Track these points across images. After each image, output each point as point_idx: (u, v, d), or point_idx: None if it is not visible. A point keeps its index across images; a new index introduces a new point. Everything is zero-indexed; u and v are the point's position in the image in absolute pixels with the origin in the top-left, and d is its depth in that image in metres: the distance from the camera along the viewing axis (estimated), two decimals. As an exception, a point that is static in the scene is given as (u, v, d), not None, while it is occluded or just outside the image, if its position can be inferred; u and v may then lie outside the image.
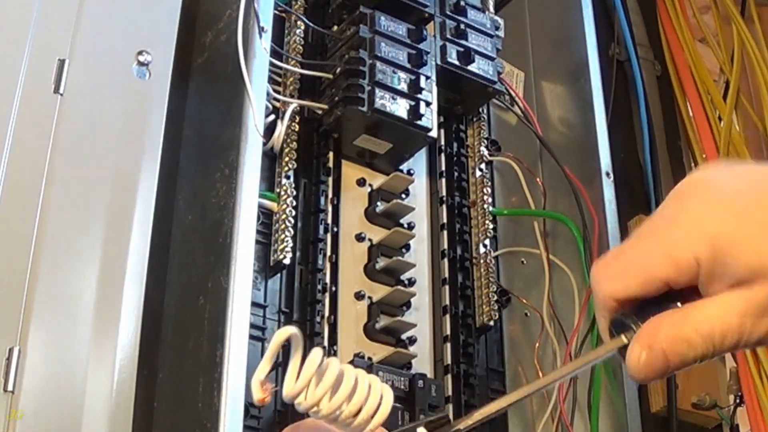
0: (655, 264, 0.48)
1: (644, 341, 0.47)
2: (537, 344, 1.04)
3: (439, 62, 1.01)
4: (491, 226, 1.06)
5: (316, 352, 0.46)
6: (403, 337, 0.95)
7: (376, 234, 0.98)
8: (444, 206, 1.04)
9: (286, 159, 0.92)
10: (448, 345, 0.97)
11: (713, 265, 0.46)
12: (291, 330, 0.46)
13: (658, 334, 0.47)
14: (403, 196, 1.02)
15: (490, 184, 1.08)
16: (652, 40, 1.42)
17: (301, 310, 0.90)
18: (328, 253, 0.94)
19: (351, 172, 1.00)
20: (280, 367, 0.81)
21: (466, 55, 1.03)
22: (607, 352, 0.50)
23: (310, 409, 0.46)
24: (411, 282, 0.98)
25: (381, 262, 0.96)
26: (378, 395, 0.46)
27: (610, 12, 1.34)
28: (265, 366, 0.47)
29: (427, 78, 0.98)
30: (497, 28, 1.08)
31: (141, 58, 0.86)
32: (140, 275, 0.79)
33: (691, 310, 0.47)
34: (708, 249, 0.46)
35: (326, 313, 0.91)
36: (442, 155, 1.07)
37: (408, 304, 0.97)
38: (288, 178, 0.92)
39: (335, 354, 0.90)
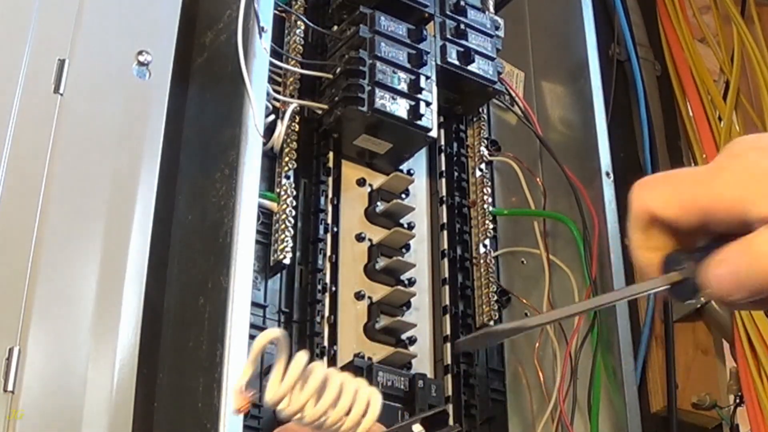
0: (701, 193, 0.47)
1: (720, 261, 0.46)
2: (537, 344, 1.04)
3: (439, 62, 1.01)
4: (491, 226, 1.06)
5: (301, 356, 0.44)
6: (403, 337, 0.95)
7: (376, 234, 0.98)
8: (444, 206, 1.04)
9: (286, 159, 0.92)
10: (448, 345, 0.97)
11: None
12: (274, 332, 0.44)
13: (730, 257, 0.46)
14: (403, 196, 1.02)
15: (490, 184, 1.08)
16: (652, 40, 1.42)
17: (301, 310, 0.90)
18: (328, 253, 0.94)
19: (351, 172, 1.00)
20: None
21: (466, 55, 1.03)
22: (658, 286, 0.49)
23: (293, 416, 0.44)
24: (411, 282, 0.98)
25: (381, 262, 0.96)
26: (364, 400, 0.44)
27: (610, 12, 1.34)
28: (246, 372, 0.45)
29: (427, 78, 0.98)
30: (497, 28, 1.08)
31: (141, 58, 0.86)
32: (140, 275, 0.79)
33: (752, 237, 0.46)
34: (761, 187, 0.46)
35: (326, 313, 0.91)
36: (442, 155, 1.07)
37: (408, 304, 0.97)
38: (288, 178, 0.92)
39: (335, 354, 0.90)
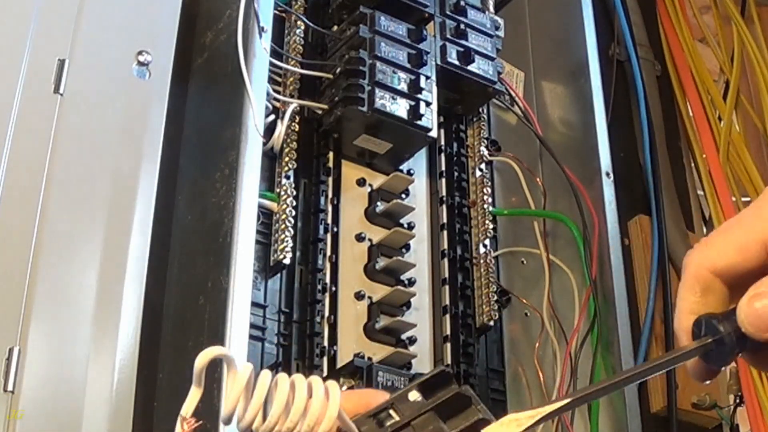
0: (753, 224, 0.46)
1: (764, 293, 0.44)
2: (537, 344, 1.04)
3: (439, 62, 1.01)
4: (491, 226, 1.06)
5: (245, 369, 0.42)
6: (403, 337, 0.95)
7: (376, 234, 0.98)
8: (444, 206, 1.04)
9: (286, 159, 0.92)
10: (448, 345, 0.97)
11: None
12: (215, 351, 0.42)
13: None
14: (403, 196, 1.02)
15: (490, 184, 1.08)
16: (652, 40, 1.42)
17: (301, 310, 0.90)
18: (328, 253, 0.94)
19: (351, 172, 1.00)
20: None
21: (466, 55, 1.03)
22: (689, 353, 0.46)
23: (249, 429, 0.43)
24: (411, 282, 0.98)
25: (381, 262, 0.96)
26: (320, 397, 0.41)
27: (610, 12, 1.34)
28: (191, 400, 0.44)
29: (427, 78, 0.98)
30: (497, 28, 1.08)
31: (141, 58, 0.86)
32: (140, 275, 0.79)
33: None
34: None
35: (326, 313, 0.91)
36: (442, 155, 1.07)
37: (408, 304, 0.97)
38: (288, 178, 0.92)
39: (335, 354, 0.90)
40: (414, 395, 0.42)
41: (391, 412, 0.42)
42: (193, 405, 0.43)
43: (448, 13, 1.05)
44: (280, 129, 0.92)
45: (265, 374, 0.42)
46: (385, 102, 0.94)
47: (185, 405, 0.43)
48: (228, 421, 0.42)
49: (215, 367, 0.74)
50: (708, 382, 0.48)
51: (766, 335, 0.44)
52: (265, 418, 0.42)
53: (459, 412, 0.41)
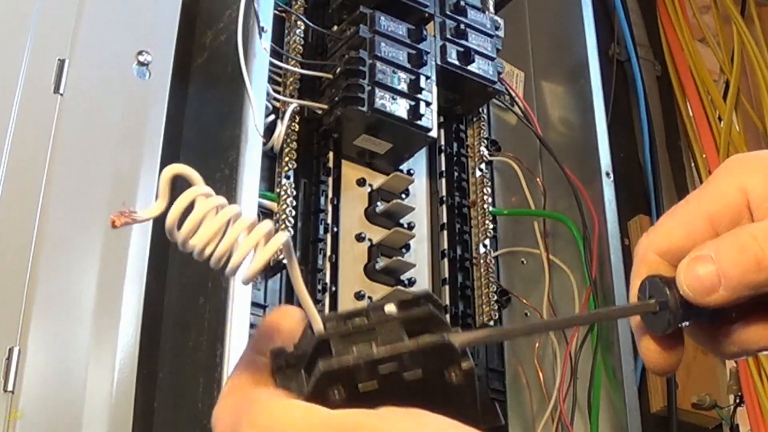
0: (699, 201, 0.45)
1: (705, 256, 0.43)
2: (537, 344, 1.04)
3: (439, 62, 1.01)
4: (491, 226, 1.06)
5: (202, 186, 0.40)
6: (403, 337, 0.95)
7: (376, 234, 0.98)
8: (444, 206, 1.04)
9: (286, 159, 0.92)
10: (448, 345, 0.97)
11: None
12: (178, 168, 0.40)
13: (720, 248, 0.43)
14: (403, 196, 1.02)
15: (490, 184, 1.08)
16: (652, 40, 1.43)
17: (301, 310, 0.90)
18: (328, 253, 0.94)
19: (351, 172, 1.00)
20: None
21: (466, 55, 1.03)
22: (631, 313, 0.45)
23: (184, 244, 0.41)
24: (411, 282, 0.98)
25: (381, 262, 0.96)
26: (259, 234, 0.39)
27: (610, 12, 1.34)
28: (154, 209, 0.40)
29: (427, 78, 0.98)
30: (497, 28, 1.08)
31: (141, 58, 0.86)
32: (140, 275, 0.79)
33: (748, 225, 0.43)
34: (760, 175, 0.44)
35: (326, 313, 0.91)
36: (442, 155, 1.07)
37: (408, 304, 0.96)
38: (288, 178, 0.92)
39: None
40: (390, 308, 0.40)
41: (365, 319, 0.40)
42: (152, 213, 0.41)
43: (448, 13, 1.05)
44: (280, 129, 0.92)
45: (220, 198, 0.41)
46: (385, 102, 0.94)
47: (148, 209, 0.41)
48: (170, 230, 0.40)
49: (216, 367, 0.74)
50: (662, 372, 0.46)
51: (705, 300, 0.43)
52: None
53: (427, 332, 0.39)
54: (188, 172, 0.40)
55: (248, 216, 0.40)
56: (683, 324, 0.45)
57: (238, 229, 0.40)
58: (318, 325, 0.40)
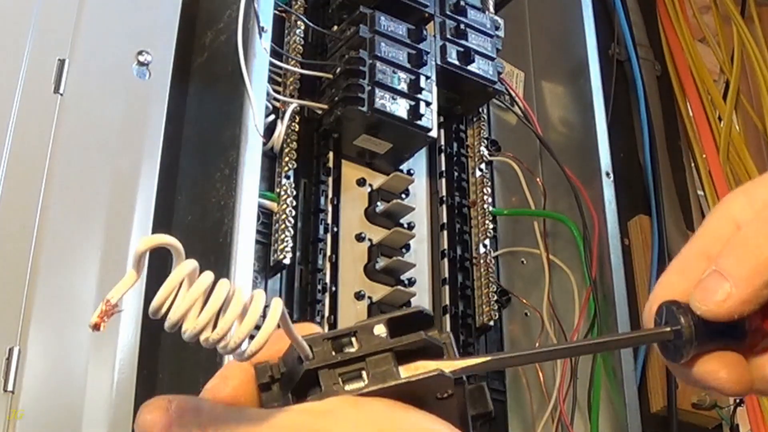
0: (691, 244, 0.44)
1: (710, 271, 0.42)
2: (537, 344, 1.04)
3: (439, 62, 1.01)
4: (491, 226, 1.06)
5: (191, 262, 0.40)
6: (403, 337, 0.95)
7: (376, 234, 0.98)
8: (444, 206, 1.04)
9: (286, 159, 0.92)
10: (448, 345, 0.97)
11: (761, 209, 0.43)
12: (160, 239, 0.39)
13: (720, 255, 0.42)
14: (403, 196, 1.02)
15: (490, 184, 1.08)
16: (652, 40, 1.42)
17: (301, 310, 0.90)
18: (328, 253, 0.94)
19: (351, 172, 1.00)
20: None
21: (466, 55, 1.03)
22: (644, 341, 0.44)
23: (175, 328, 0.41)
24: (411, 282, 0.98)
25: (381, 262, 0.96)
26: (240, 304, 0.38)
27: (610, 12, 1.34)
28: (123, 285, 0.39)
29: (427, 78, 0.98)
30: (497, 28, 1.08)
31: (141, 58, 0.86)
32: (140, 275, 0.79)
33: (739, 231, 0.43)
34: (743, 198, 0.44)
35: (326, 313, 0.91)
36: (442, 155, 1.07)
37: (408, 304, 0.97)
38: (288, 178, 0.92)
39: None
40: (379, 329, 0.39)
41: (353, 339, 0.39)
42: (122, 290, 0.40)
43: (448, 13, 1.05)
44: (280, 129, 0.92)
45: (207, 273, 0.40)
46: (385, 102, 0.94)
47: (115, 288, 0.39)
48: (156, 313, 0.40)
49: (216, 367, 0.74)
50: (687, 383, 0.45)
51: (722, 309, 0.41)
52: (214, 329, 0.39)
53: (425, 355, 0.38)
54: (169, 243, 0.39)
55: (240, 295, 0.39)
56: (705, 348, 0.43)
57: (233, 314, 0.39)
58: (306, 352, 0.38)
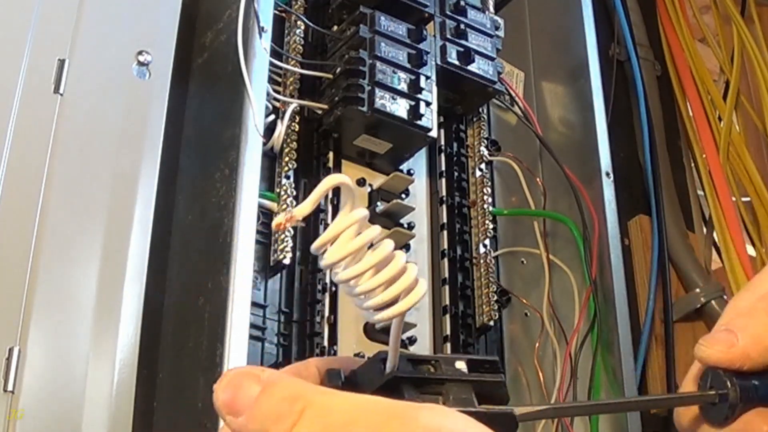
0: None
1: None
2: (537, 344, 1.04)
3: (439, 62, 1.01)
4: (491, 226, 1.06)
5: (360, 211, 0.42)
6: (403, 337, 0.95)
7: (376, 234, 0.98)
8: (444, 206, 1.04)
9: (286, 159, 0.92)
10: (448, 345, 0.97)
11: None
12: (340, 178, 0.41)
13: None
14: (403, 196, 1.02)
15: (490, 184, 1.08)
16: (652, 40, 1.43)
17: (301, 310, 0.90)
18: (328, 253, 0.93)
19: (351, 172, 1.00)
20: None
21: (466, 55, 1.03)
22: (690, 402, 0.46)
23: (332, 265, 0.42)
24: (411, 282, 0.98)
25: (381, 262, 0.96)
26: (409, 280, 0.40)
27: (610, 12, 1.34)
28: (306, 205, 0.41)
29: (427, 78, 0.98)
30: (497, 28, 1.08)
31: (141, 58, 0.86)
32: (140, 275, 0.79)
33: None
34: None
35: (326, 313, 0.91)
36: (442, 155, 1.07)
37: (408, 304, 0.96)
38: (288, 178, 0.92)
39: (335, 354, 0.90)
40: (460, 364, 0.42)
41: (433, 366, 0.42)
42: (304, 211, 0.41)
43: (448, 13, 1.05)
44: (280, 129, 0.92)
45: (376, 227, 0.42)
46: (385, 102, 0.94)
47: (300, 206, 0.41)
48: (317, 251, 0.41)
49: (216, 367, 0.74)
50: None
51: (709, 351, 0.44)
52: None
53: (490, 400, 0.42)
54: (346, 183, 0.42)
55: (397, 263, 0.42)
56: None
57: (382, 278, 0.41)
58: (393, 362, 0.41)
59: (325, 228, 0.94)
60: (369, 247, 0.42)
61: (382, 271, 0.41)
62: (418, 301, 0.40)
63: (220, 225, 0.81)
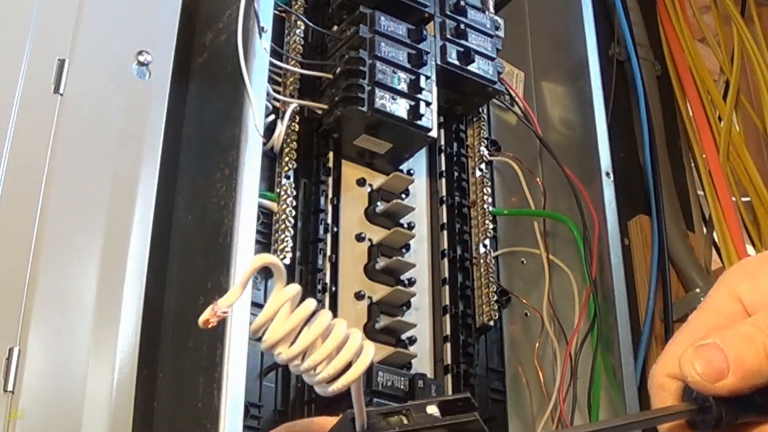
0: (698, 318, 0.47)
1: (711, 344, 0.44)
2: (537, 344, 1.04)
3: (439, 62, 1.01)
4: (491, 226, 1.06)
5: (293, 286, 0.40)
6: (403, 337, 0.95)
7: (376, 234, 0.98)
8: (444, 206, 1.04)
9: (286, 159, 0.92)
10: (448, 345, 0.97)
11: None
12: (267, 258, 0.40)
13: (725, 336, 0.44)
14: (403, 196, 1.02)
15: (490, 184, 1.08)
16: (652, 40, 1.43)
17: (301, 310, 0.90)
18: (328, 253, 0.94)
19: (351, 172, 1.00)
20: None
21: (466, 55, 1.03)
22: (675, 413, 0.45)
23: (271, 349, 0.41)
24: (411, 282, 0.98)
25: (381, 262, 0.96)
26: (355, 347, 0.39)
27: (610, 12, 1.34)
28: (232, 293, 0.40)
29: (427, 78, 0.98)
30: (497, 28, 1.08)
31: (141, 58, 0.86)
32: (140, 275, 0.79)
33: (749, 318, 0.45)
34: (748, 283, 0.46)
35: (326, 313, 0.91)
36: (442, 155, 1.07)
37: (408, 304, 0.97)
38: (288, 178, 0.92)
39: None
40: (432, 409, 0.42)
41: (405, 416, 0.42)
42: (230, 300, 0.41)
43: (448, 13, 1.05)
44: (280, 129, 0.92)
45: (311, 300, 0.41)
46: (385, 102, 0.94)
47: (224, 298, 0.41)
48: (255, 334, 0.40)
49: (216, 367, 0.74)
50: None
51: (714, 387, 0.43)
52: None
53: None
54: (274, 263, 0.40)
55: (338, 332, 0.40)
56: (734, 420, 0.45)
57: (327, 349, 0.40)
58: (362, 422, 0.41)
59: (325, 228, 0.94)
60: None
61: (326, 342, 0.40)
62: (369, 364, 0.39)
63: (220, 225, 0.81)
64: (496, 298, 1.02)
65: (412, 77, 0.97)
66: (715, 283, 0.48)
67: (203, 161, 0.89)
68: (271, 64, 0.90)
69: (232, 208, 0.81)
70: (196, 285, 0.81)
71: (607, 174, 1.07)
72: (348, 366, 0.40)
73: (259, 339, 0.41)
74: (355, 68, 0.94)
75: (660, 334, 1.17)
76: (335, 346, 0.40)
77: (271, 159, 0.92)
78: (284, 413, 0.84)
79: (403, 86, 0.96)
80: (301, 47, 0.98)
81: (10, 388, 0.71)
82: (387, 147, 0.98)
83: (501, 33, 1.09)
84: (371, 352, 0.40)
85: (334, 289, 0.93)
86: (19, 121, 0.79)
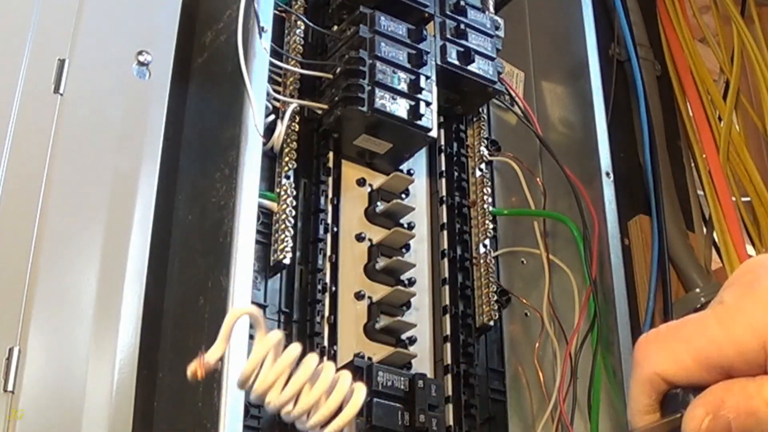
0: (718, 349, 0.44)
1: (710, 405, 0.44)
2: (537, 344, 1.04)
3: (439, 62, 1.01)
4: (491, 226, 1.06)
5: (275, 334, 0.40)
6: (403, 337, 0.95)
7: (376, 234, 0.98)
8: (444, 206, 1.04)
9: (286, 159, 0.92)
10: (448, 345, 0.97)
11: None
12: (248, 309, 0.41)
13: (727, 402, 0.44)
14: (403, 196, 1.02)
15: (490, 184, 1.08)
16: (652, 40, 1.42)
17: (301, 310, 0.90)
18: (328, 253, 0.94)
19: (351, 172, 1.00)
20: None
21: (466, 55, 1.03)
22: (657, 428, 0.46)
23: (261, 398, 0.41)
24: (411, 282, 0.98)
25: (381, 262, 0.96)
26: (342, 392, 0.39)
27: (610, 12, 1.34)
28: (217, 348, 0.41)
29: (427, 78, 0.98)
30: (497, 28, 1.08)
31: (141, 58, 0.86)
32: (140, 275, 0.79)
33: (766, 382, 0.44)
34: None
35: (326, 313, 0.91)
36: (442, 155, 1.07)
37: (408, 304, 0.97)
38: (288, 178, 0.92)
39: (335, 354, 0.90)
40: None
41: None
42: (216, 354, 0.42)
43: (448, 13, 1.05)
44: (280, 129, 0.92)
45: (295, 346, 0.41)
46: (385, 102, 0.94)
47: (210, 351, 0.42)
48: (243, 385, 0.40)
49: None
50: None
51: None
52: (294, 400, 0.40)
53: None
54: (252, 314, 0.41)
55: (326, 376, 0.40)
56: None
57: (316, 393, 0.40)
58: None
59: (325, 228, 0.94)
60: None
61: (314, 387, 0.40)
62: (360, 407, 0.39)
63: (220, 225, 0.81)
64: (496, 298, 1.02)
65: (412, 77, 0.97)
66: (743, 274, 0.46)
67: (203, 161, 0.89)
68: (271, 64, 0.90)
69: (232, 208, 0.81)
70: (196, 285, 0.81)
71: (607, 174, 1.07)
72: (340, 409, 0.39)
73: (250, 388, 0.41)
74: (355, 68, 0.94)
75: (660, 334, 1.16)
76: (324, 390, 0.40)
77: (271, 159, 0.92)
78: (284, 413, 0.84)
79: (403, 86, 0.96)
80: (301, 47, 0.98)
81: (10, 388, 0.71)
82: (387, 147, 0.98)
83: (501, 33, 1.09)
84: (362, 394, 0.39)
85: (334, 289, 0.93)
86: (19, 121, 0.79)
